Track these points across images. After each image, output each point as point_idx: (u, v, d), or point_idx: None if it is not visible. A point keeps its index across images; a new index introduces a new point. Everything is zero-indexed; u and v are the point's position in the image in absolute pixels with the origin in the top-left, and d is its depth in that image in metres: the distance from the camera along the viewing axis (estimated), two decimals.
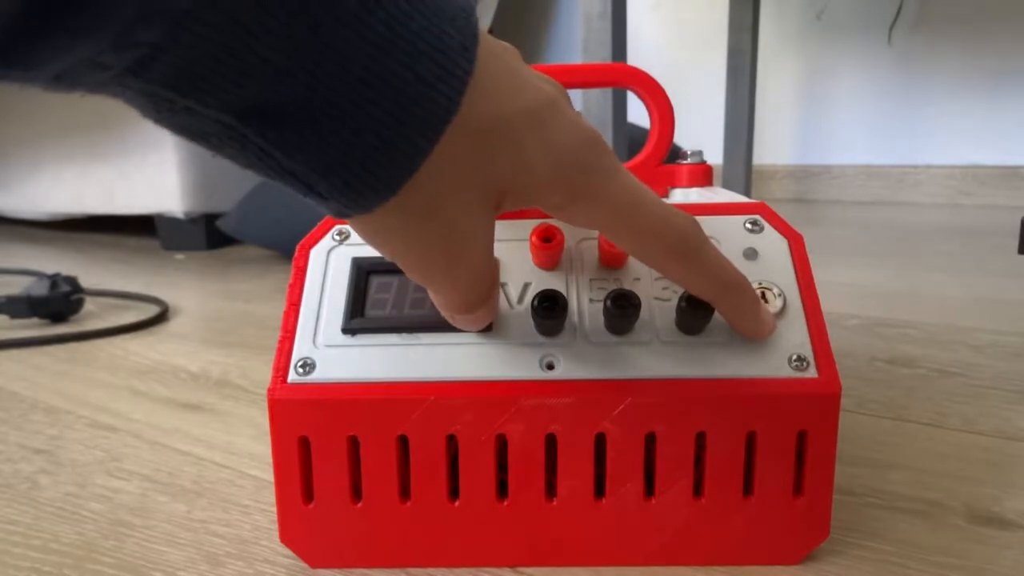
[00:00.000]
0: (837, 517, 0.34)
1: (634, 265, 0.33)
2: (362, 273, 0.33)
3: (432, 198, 0.23)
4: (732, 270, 0.28)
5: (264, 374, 0.61)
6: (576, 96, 1.56)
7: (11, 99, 1.47)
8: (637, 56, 1.77)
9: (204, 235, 1.34)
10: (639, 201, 0.25)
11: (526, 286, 0.32)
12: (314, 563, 0.33)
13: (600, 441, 0.31)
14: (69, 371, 0.64)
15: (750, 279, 0.32)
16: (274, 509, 0.33)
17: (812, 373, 0.30)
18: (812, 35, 1.78)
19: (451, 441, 0.31)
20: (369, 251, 0.33)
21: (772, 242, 0.33)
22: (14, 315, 0.80)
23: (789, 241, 0.33)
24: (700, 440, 0.31)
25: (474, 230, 0.24)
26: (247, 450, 0.46)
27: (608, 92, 1.04)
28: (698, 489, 0.31)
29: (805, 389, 0.30)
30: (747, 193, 1.63)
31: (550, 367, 0.30)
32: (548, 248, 0.31)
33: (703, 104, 1.77)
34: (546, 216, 0.34)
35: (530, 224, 0.33)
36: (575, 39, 2.11)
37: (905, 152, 1.73)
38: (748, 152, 1.63)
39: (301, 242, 0.34)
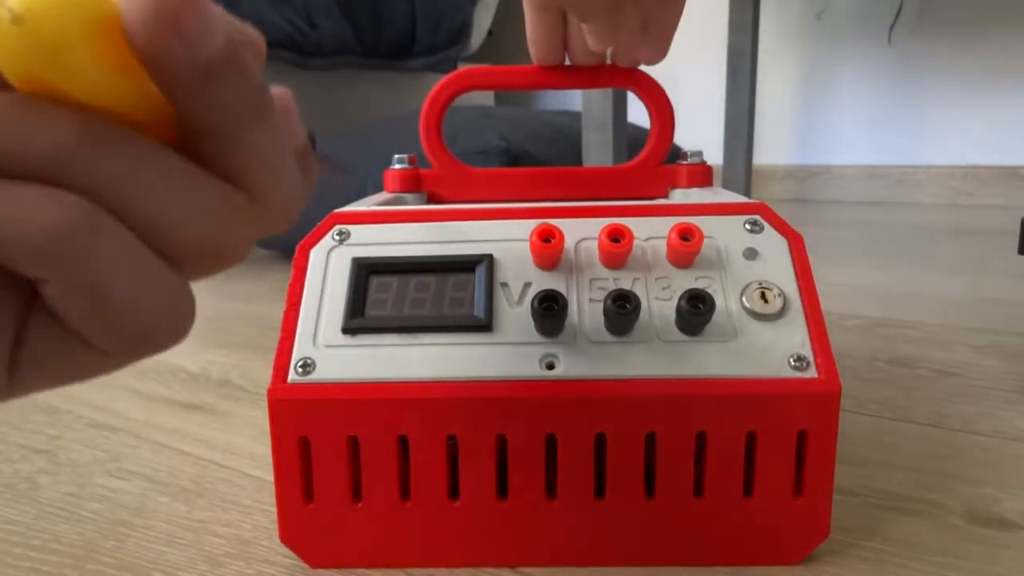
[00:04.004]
0: (837, 517, 0.34)
1: (634, 265, 0.33)
2: (362, 273, 0.33)
3: None
4: None
5: (264, 374, 0.61)
6: (576, 96, 1.56)
7: None
8: None
9: None
10: None
11: (526, 286, 0.32)
12: (314, 563, 0.33)
13: (600, 441, 0.31)
14: None
15: (750, 279, 0.32)
16: (274, 509, 0.33)
17: (812, 373, 0.30)
18: (812, 35, 1.78)
19: (451, 441, 0.31)
20: (369, 251, 0.33)
21: (772, 242, 0.33)
22: None
23: (789, 241, 0.33)
24: (700, 440, 0.31)
25: None
26: (247, 450, 0.46)
27: (608, 92, 1.04)
28: (698, 489, 0.31)
29: (805, 389, 0.30)
30: (747, 193, 1.63)
31: (550, 367, 0.30)
32: (548, 248, 0.31)
33: (703, 104, 1.77)
34: (548, 215, 0.34)
35: (530, 224, 0.33)
36: None
37: (905, 152, 1.73)
38: (748, 152, 1.63)
39: (301, 242, 0.34)
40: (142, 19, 0.14)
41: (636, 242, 0.33)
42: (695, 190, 0.43)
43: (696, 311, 0.29)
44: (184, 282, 0.16)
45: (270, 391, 0.31)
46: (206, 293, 0.98)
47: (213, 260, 0.17)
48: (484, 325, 0.31)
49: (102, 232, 0.14)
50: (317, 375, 0.31)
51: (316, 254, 0.34)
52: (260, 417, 0.51)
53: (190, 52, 0.14)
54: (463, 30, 1.59)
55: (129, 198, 0.15)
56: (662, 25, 0.37)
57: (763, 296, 0.31)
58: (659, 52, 0.38)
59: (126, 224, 0.15)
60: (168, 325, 0.16)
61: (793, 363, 0.30)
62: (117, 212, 0.15)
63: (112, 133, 0.14)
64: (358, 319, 0.32)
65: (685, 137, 0.69)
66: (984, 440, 0.44)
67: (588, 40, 0.38)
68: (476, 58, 1.74)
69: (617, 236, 0.31)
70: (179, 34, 0.14)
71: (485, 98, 1.86)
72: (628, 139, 1.10)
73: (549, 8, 0.38)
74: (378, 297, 0.32)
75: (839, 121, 1.80)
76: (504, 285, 0.32)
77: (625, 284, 0.32)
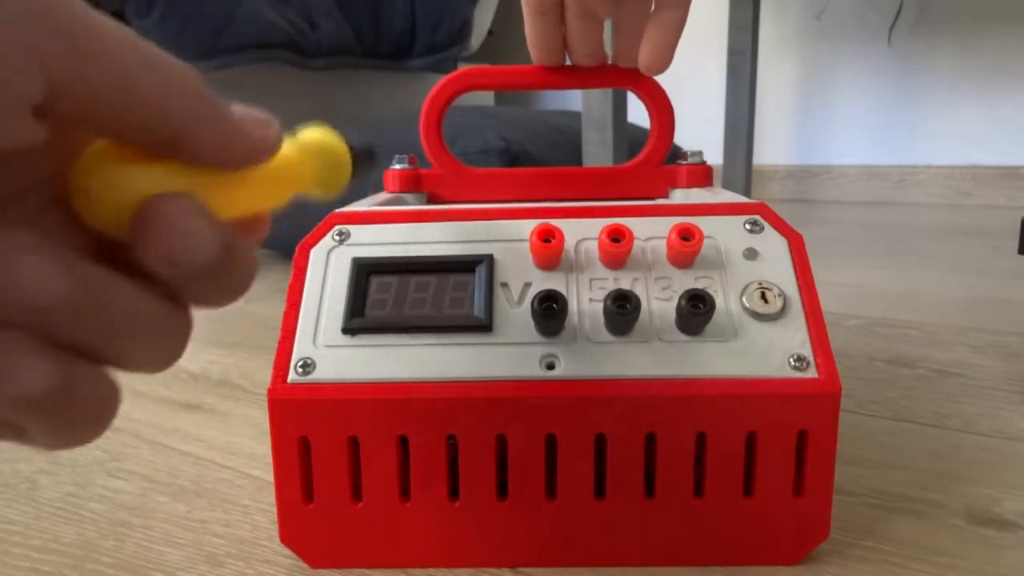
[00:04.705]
0: (837, 517, 0.34)
1: (634, 265, 0.33)
2: (362, 273, 0.33)
3: None
4: None
5: (264, 374, 0.61)
6: (576, 96, 1.56)
7: None
8: None
9: None
10: None
11: (526, 286, 0.32)
12: (314, 563, 0.33)
13: (600, 441, 0.31)
14: None
15: (750, 279, 0.32)
16: (274, 509, 0.33)
17: (812, 373, 0.30)
18: (812, 35, 1.78)
19: (451, 441, 0.31)
20: (369, 251, 0.33)
21: (772, 242, 0.33)
22: None
23: (789, 241, 0.33)
24: (700, 440, 0.31)
25: None
26: (247, 450, 0.46)
27: (608, 92, 1.04)
28: (698, 489, 0.31)
29: (805, 389, 0.30)
30: (747, 193, 1.63)
31: (550, 367, 0.30)
32: (548, 248, 0.31)
33: (703, 104, 1.77)
34: (548, 215, 0.34)
35: (530, 224, 0.33)
36: None
37: (905, 152, 1.73)
38: (748, 152, 1.63)
39: (301, 242, 0.34)
40: (133, 240, 0.16)
41: (636, 242, 0.33)
42: (695, 190, 0.43)
43: (696, 311, 0.29)
44: (116, 382, 0.18)
45: (270, 391, 0.31)
46: None
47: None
48: (484, 325, 0.31)
49: (76, 390, 0.16)
50: (317, 375, 0.31)
51: (316, 254, 0.34)
52: (260, 417, 0.51)
53: (174, 270, 0.17)
54: (463, 30, 1.59)
55: (102, 346, 0.16)
56: (664, 27, 0.37)
57: (763, 296, 0.31)
58: (662, 59, 0.38)
59: (91, 358, 0.17)
60: (99, 421, 0.18)
61: (793, 363, 0.30)
62: (88, 353, 0.16)
63: (96, 292, 0.16)
64: (358, 319, 0.32)
65: (685, 137, 0.69)
66: (984, 440, 0.44)
67: (570, 38, 0.39)
68: (476, 58, 1.74)
69: (617, 236, 0.31)
70: (168, 259, 0.17)
71: (485, 98, 1.86)
72: (628, 139, 1.10)
73: (547, 11, 0.38)
74: (378, 297, 0.32)
75: (839, 121, 1.79)
76: (504, 285, 0.32)
77: (625, 284, 0.32)
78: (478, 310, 0.31)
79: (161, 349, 0.18)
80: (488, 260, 0.33)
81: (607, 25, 0.40)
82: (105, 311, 0.16)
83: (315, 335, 0.32)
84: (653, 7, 0.38)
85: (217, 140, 0.18)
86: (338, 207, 0.36)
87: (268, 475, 0.42)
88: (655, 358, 0.30)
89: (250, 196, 0.20)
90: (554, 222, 0.33)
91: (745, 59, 1.58)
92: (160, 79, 0.16)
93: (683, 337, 0.31)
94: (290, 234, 0.35)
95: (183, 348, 0.19)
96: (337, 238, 0.34)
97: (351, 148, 0.24)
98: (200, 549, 0.35)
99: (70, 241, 0.17)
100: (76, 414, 0.16)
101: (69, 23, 0.15)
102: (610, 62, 0.41)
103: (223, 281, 0.18)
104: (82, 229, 0.17)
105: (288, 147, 0.21)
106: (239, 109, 0.19)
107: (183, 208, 0.16)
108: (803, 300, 0.31)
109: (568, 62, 0.41)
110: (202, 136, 0.17)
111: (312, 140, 0.23)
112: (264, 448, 0.46)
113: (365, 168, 0.26)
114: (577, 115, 1.17)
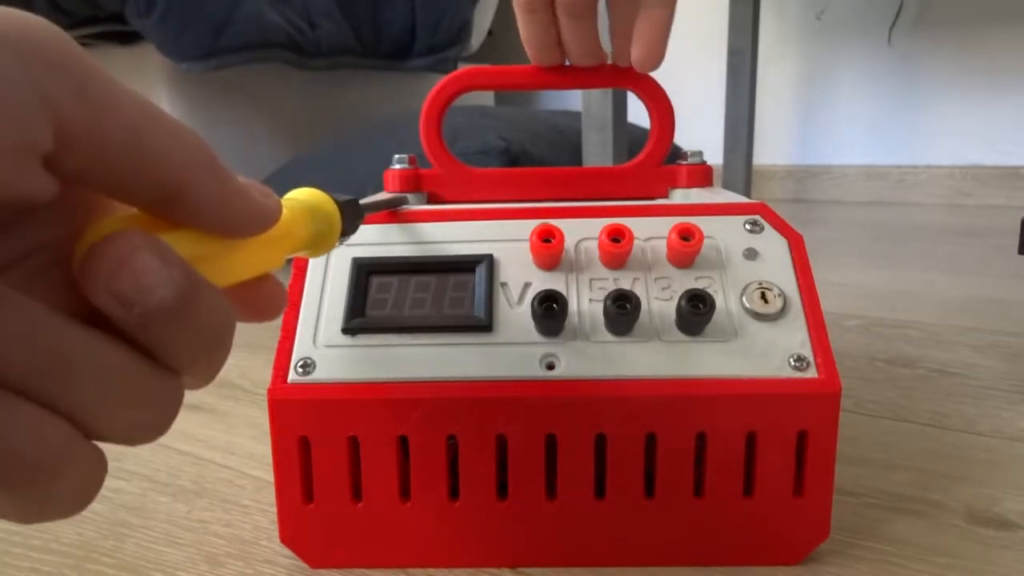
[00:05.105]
0: (837, 517, 0.34)
1: (634, 265, 0.33)
2: (362, 273, 0.33)
3: None
4: None
5: (264, 374, 0.61)
6: (576, 96, 1.56)
7: None
8: None
9: None
10: None
11: (526, 286, 0.32)
12: (314, 563, 0.33)
13: (600, 441, 0.31)
14: None
15: (750, 279, 0.32)
16: (274, 509, 0.33)
17: (812, 373, 0.30)
18: (812, 35, 1.78)
19: (451, 441, 0.31)
20: (369, 251, 0.33)
21: (772, 242, 0.33)
22: None
23: (789, 241, 0.33)
24: (700, 440, 0.31)
25: None
26: (247, 450, 0.46)
27: (608, 92, 1.04)
28: (698, 489, 0.31)
29: (805, 389, 0.30)
30: (747, 193, 1.63)
31: (550, 367, 0.30)
32: (548, 248, 0.31)
33: (703, 104, 1.77)
34: (548, 215, 0.34)
35: (530, 224, 0.33)
36: None
37: (905, 152, 1.73)
38: (748, 152, 1.63)
39: None
40: (80, 276, 0.15)
41: (636, 242, 0.33)
42: (695, 190, 0.43)
43: (696, 311, 0.29)
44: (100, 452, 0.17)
45: (270, 391, 0.31)
46: None
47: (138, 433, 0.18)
48: (484, 325, 0.31)
49: (73, 461, 0.15)
50: (317, 375, 0.31)
51: None
52: (260, 417, 0.51)
53: (124, 309, 0.15)
54: (463, 30, 1.59)
55: (78, 410, 0.15)
56: (652, 24, 0.37)
57: (763, 296, 0.31)
58: (653, 56, 0.38)
59: (85, 433, 0.16)
60: (84, 494, 0.17)
61: (793, 363, 0.30)
62: (80, 425, 0.16)
63: (68, 353, 0.15)
64: (358, 319, 0.32)
65: (685, 137, 0.68)
66: (984, 440, 0.44)
67: (564, 38, 0.38)
68: (476, 58, 1.74)
69: (617, 236, 0.31)
70: (112, 294, 0.15)
71: (485, 98, 1.86)
72: (628, 139, 1.10)
73: (537, 9, 0.38)
74: (378, 297, 0.32)
75: (839, 121, 1.79)
76: (504, 285, 0.32)
77: (625, 284, 0.32)
78: (478, 310, 0.31)
79: (144, 417, 0.17)
80: (488, 260, 0.33)
81: (606, 26, 0.40)
82: (80, 373, 0.15)
83: (315, 335, 0.32)
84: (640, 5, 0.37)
85: (221, 200, 0.17)
86: None
87: (268, 475, 0.42)
88: (655, 358, 0.30)
89: (247, 260, 0.20)
90: (554, 222, 0.33)
91: (745, 59, 1.57)
92: (168, 134, 0.16)
93: (683, 337, 0.31)
94: None
95: (171, 419, 0.18)
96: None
97: (339, 204, 0.24)
98: (200, 549, 0.35)
99: (63, 305, 0.16)
100: (48, 476, 0.15)
101: (81, 73, 0.15)
102: (610, 62, 0.41)
103: (186, 330, 0.16)
104: (78, 295, 0.16)
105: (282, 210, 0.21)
106: (243, 178, 0.18)
107: (129, 241, 0.15)
108: (803, 300, 0.31)
109: (568, 62, 0.41)
110: (206, 194, 0.17)
111: (302, 201, 0.23)
112: (264, 448, 0.46)
113: (353, 222, 0.26)
114: (577, 115, 1.17)
